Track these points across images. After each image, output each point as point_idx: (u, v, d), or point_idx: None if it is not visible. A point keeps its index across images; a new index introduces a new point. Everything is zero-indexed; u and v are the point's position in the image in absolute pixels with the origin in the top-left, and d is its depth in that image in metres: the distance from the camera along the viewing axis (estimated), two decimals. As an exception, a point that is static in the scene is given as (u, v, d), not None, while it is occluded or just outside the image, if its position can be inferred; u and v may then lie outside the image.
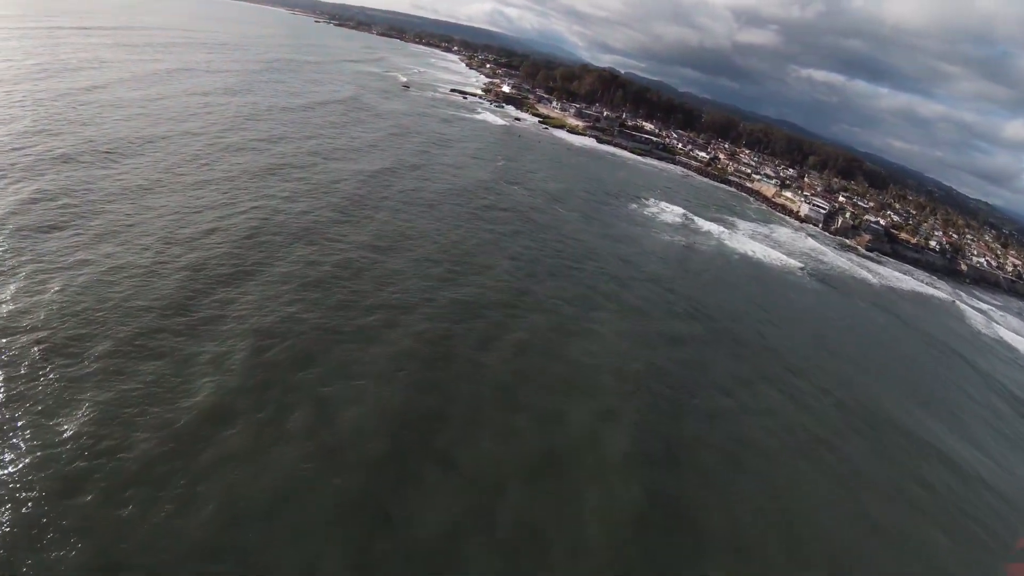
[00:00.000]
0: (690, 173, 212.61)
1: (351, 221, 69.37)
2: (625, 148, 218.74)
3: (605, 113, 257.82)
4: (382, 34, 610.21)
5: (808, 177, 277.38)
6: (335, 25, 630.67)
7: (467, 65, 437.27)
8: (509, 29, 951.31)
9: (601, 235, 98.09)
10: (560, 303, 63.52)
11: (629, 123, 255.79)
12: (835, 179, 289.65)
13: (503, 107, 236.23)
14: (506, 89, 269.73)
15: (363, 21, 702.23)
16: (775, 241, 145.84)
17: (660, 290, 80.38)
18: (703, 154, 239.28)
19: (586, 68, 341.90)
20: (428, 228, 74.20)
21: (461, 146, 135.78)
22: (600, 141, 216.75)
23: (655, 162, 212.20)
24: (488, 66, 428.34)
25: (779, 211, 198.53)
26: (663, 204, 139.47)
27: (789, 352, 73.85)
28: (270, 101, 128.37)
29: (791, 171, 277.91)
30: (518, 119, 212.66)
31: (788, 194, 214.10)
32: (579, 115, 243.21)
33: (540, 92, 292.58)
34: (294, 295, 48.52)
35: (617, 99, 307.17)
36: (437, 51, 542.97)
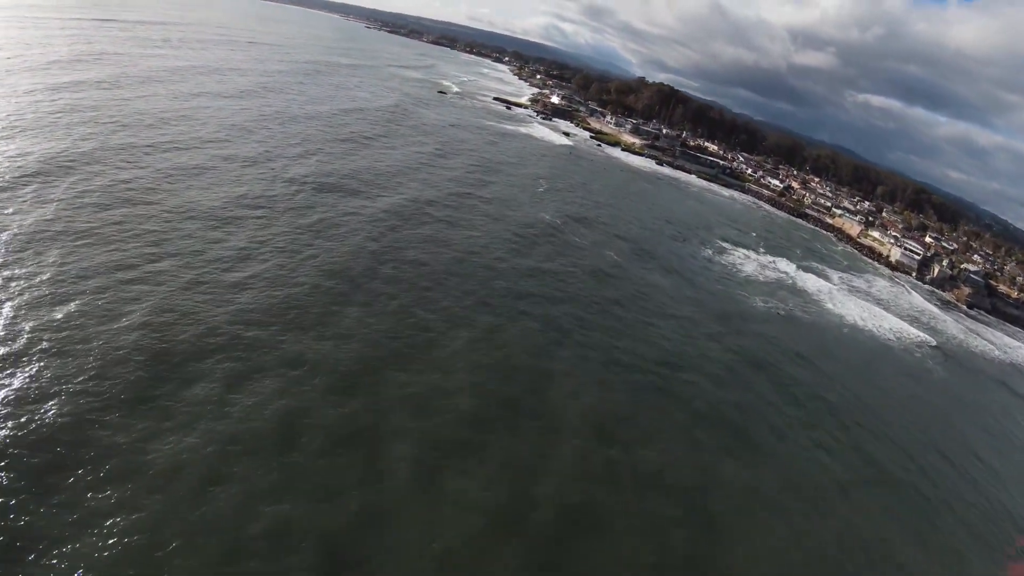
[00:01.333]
0: (762, 204, 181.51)
1: (334, 322, 42.45)
2: (688, 171, 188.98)
3: (664, 131, 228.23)
4: (433, 42, 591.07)
5: (886, 212, 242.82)
6: (387, 32, 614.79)
7: (516, 75, 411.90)
8: (563, 44, 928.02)
9: (693, 305, 71.05)
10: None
11: (691, 143, 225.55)
12: (906, 213, 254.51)
13: (551, 120, 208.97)
14: (555, 100, 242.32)
15: (415, 29, 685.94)
16: (877, 298, 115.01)
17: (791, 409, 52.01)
18: (775, 182, 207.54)
19: (643, 82, 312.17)
20: (457, 341, 44.87)
21: (509, 173, 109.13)
22: (660, 162, 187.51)
23: (722, 190, 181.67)
24: (538, 77, 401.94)
25: (866, 254, 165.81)
26: (745, 252, 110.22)
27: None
28: (293, 107, 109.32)
29: (866, 204, 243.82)
30: (568, 133, 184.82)
31: (875, 234, 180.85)
32: (636, 132, 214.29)
33: (593, 105, 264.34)
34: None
35: (676, 116, 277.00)
36: (487, 61, 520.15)
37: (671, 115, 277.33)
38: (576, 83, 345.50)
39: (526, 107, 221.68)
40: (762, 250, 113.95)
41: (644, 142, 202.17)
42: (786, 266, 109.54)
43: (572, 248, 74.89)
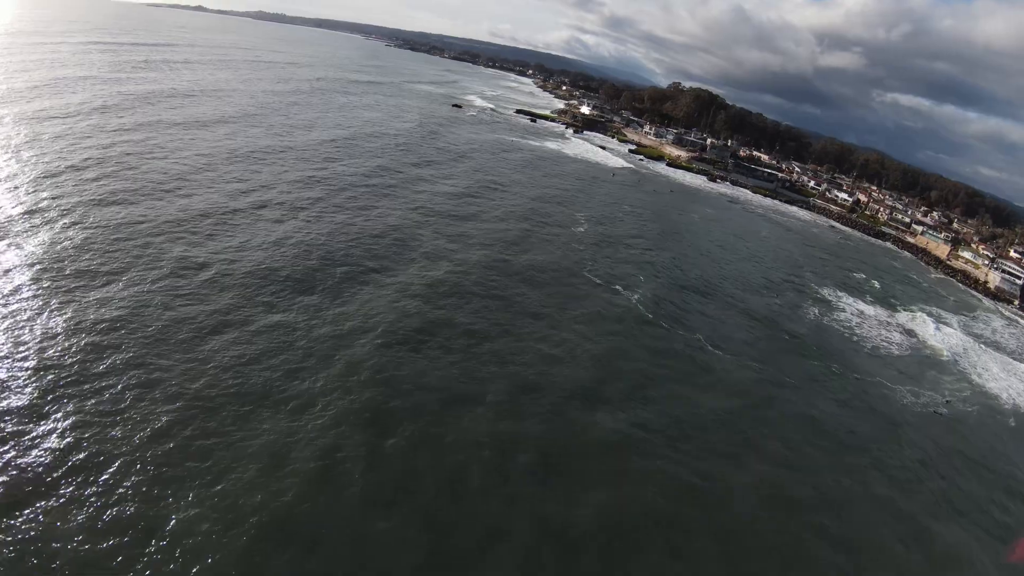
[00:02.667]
0: (833, 223, 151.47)
1: None
2: (744, 187, 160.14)
3: (709, 141, 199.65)
4: (454, 58, 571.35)
5: (960, 225, 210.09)
6: (406, 49, 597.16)
7: (541, 88, 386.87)
8: (586, 56, 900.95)
9: (836, 429, 44.92)
10: None
11: (741, 154, 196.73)
12: (956, 217, 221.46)
13: (582, 133, 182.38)
14: (585, 111, 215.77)
15: (436, 46, 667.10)
16: (1010, 350, 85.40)
17: None
18: (842, 195, 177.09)
19: (679, 88, 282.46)
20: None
21: (551, 217, 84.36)
22: (712, 178, 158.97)
23: (786, 207, 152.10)
24: (564, 88, 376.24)
25: (959, 279, 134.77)
26: (852, 302, 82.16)
27: None
28: (282, 136, 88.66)
29: (935, 214, 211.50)
30: (604, 147, 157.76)
31: (966, 255, 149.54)
32: (679, 143, 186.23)
33: (627, 115, 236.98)
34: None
35: (718, 124, 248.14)
36: (511, 75, 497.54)
37: (712, 123, 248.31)
38: (604, 93, 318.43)
39: (553, 119, 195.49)
40: (869, 299, 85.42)
41: (690, 154, 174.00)
42: (904, 318, 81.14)
43: (677, 359, 48.08)
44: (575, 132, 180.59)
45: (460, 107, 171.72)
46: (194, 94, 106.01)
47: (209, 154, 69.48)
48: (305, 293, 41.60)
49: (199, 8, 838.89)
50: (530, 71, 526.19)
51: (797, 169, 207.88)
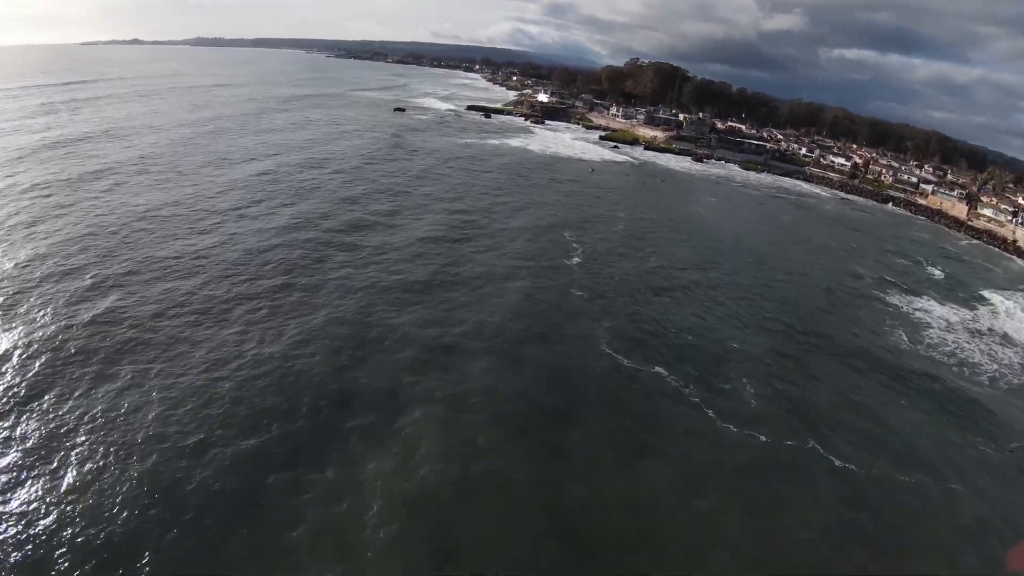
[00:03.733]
0: (836, 193, 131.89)
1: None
2: (732, 163, 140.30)
3: (683, 116, 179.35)
4: (399, 61, 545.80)
5: (956, 176, 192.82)
6: (348, 58, 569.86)
7: (491, 82, 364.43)
8: (531, 46, 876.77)
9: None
10: None
11: (720, 126, 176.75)
12: (949, 169, 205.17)
13: (544, 123, 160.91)
14: (543, 99, 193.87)
15: (378, 52, 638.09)
16: None
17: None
18: (839, 160, 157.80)
19: (637, 65, 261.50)
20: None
21: (531, 251, 60.62)
22: (697, 158, 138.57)
23: (786, 181, 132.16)
24: (515, 79, 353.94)
25: (987, 240, 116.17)
26: (914, 301, 62.75)
27: None
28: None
29: (928, 168, 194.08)
30: (572, 137, 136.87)
31: (987, 212, 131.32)
32: (651, 122, 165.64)
33: (589, 98, 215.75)
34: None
35: (685, 98, 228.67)
36: (459, 72, 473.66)
37: (679, 97, 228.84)
38: (557, 79, 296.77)
39: (509, 112, 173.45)
40: (934, 294, 65.35)
41: (667, 133, 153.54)
42: (986, 317, 61.79)
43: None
44: (536, 123, 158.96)
45: (403, 110, 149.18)
46: (87, 138, 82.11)
47: (61, 233, 46.45)
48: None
49: (135, 41, 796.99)
50: (477, 66, 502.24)
51: (779, 136, 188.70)
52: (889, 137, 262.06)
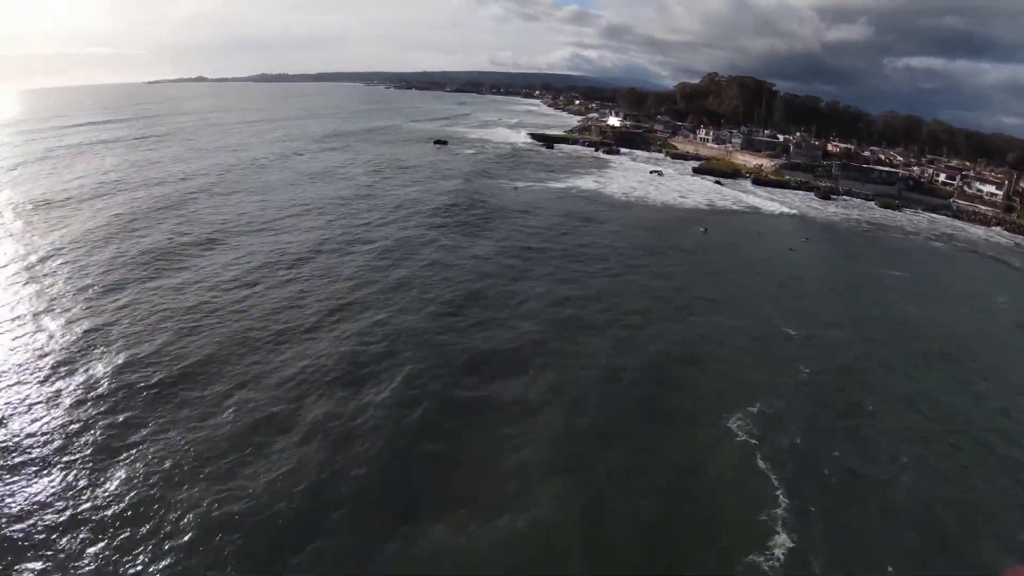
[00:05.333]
0: (997, 236, 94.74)
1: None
2: (862, 196, 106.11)
3: (784, 138, 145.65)
4: (457, 90, 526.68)
5: None
6: (407, 88, 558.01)
7: (551, 107, 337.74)
8: (591, 70, 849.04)
9: None
10: None
11: (831, 149, 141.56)
12: None
13: (618, 152, 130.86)
14: (614, 123, 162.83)
15: (437, 81, 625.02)
16: None
17: None
18: (988, 189, 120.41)
19: (716, 80, 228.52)
20: None
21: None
22: (822, 194, 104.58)
23: (925, 220, 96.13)
24: (577, 103, 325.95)
25: None
26: None
27: None
28: None
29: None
30: (658, 170, 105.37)
31: None
32: (749, 146, 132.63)
33: (666, 119, 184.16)
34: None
35: (777, 116, 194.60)
36: (518, 98, 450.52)
37: (769, 115, 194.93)
38: (624, 101, 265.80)
39: (575, 140, 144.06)
40: None
41: (774, 162, 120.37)
42: None
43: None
44: (608, 152, 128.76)
45: (444, 143, 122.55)
46: (64, 200, 58.51)
47: None
48: None
49: (199, 79, 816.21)
50: (538, 92, 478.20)
51: (899, 159, 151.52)
52: (988, 150, 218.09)
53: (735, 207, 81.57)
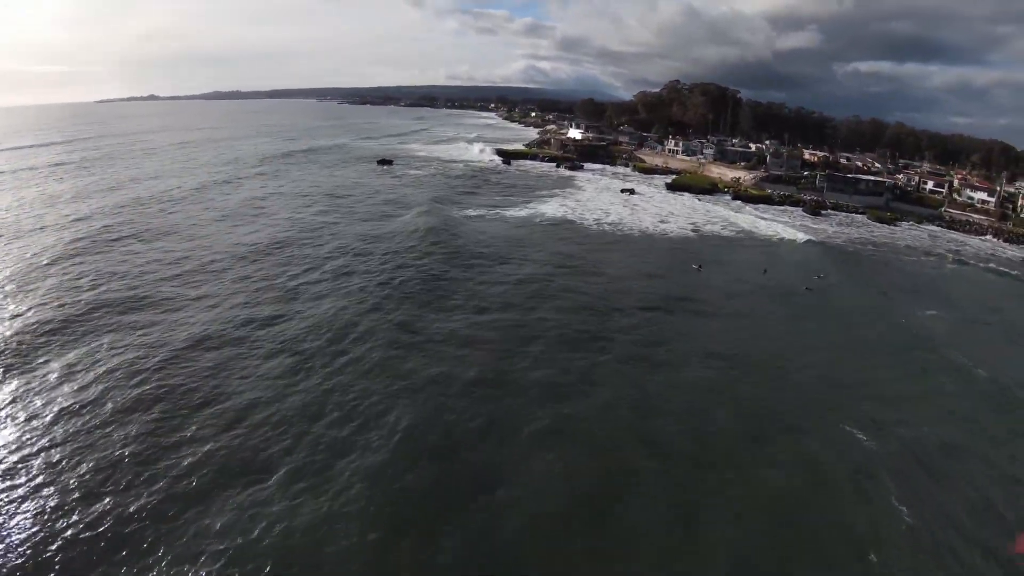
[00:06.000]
0: (992, 247, 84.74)
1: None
2: (851, 210, 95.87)
3: (754, 147, 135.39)
4: (411, 104, 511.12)
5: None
6: (360, 104, 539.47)
7: (506, 119, 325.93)
8: (546, 82, 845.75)
9: None
10: None
11: (808, 158, 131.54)
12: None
13: (582, 168, 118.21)
14: (575, 135, 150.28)
15: (392, 96, 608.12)
16: None
17: None
18: (979, 195, 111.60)
19: (677, 89, 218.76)
20: None
21: None
22: (812, 209, 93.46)
23: (915, 231, 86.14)
24: (533, 115, 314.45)
25: None
26: None
27: None
28: None
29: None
30: (630, 188, 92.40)
31: None
32: (722, 157, 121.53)
33: (630, 130, 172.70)
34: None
35: (744, 123, 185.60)
36: (472, 111, 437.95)
37: (735, 123, 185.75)
38: (582, 112, 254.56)
39: (534, 156, 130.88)
40: None
41: (753, 174, 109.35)
42: None
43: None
44: (571, 168, 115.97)
45: (390, 163, 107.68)
46: None
47: None
48: None
49: (151, 97, 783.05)
50: (493, 105, 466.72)
51: (878, 166, 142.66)
52: (951, 152, 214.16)
53: (724, 231, 68.83)
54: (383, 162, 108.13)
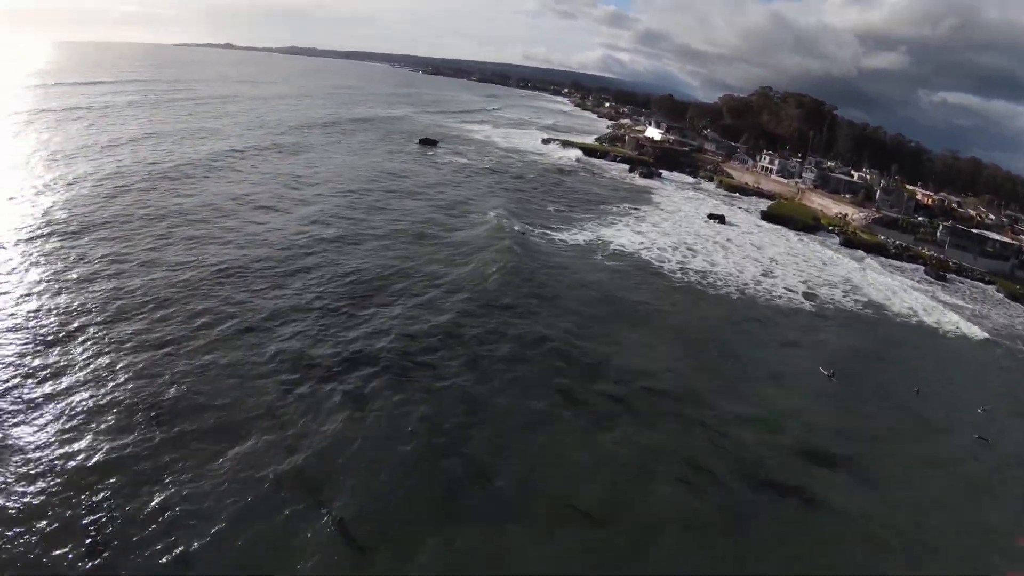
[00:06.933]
0: None
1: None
2: (973, 277, 76.39)
3: (856, 175, 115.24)
4: (482, 80, 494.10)
5: None
6: (429, 74, 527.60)
7: (578, 106, 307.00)
8: (622, 73, 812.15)
9: None
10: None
11: (922, 199, 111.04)
12: None
13: (659, 176, 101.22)
14: (655, 135, 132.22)
15: (463, 69, 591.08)
16: None
17: None
18: None
19: (768, 97, 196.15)
20: None
21: None
22: (934, 271, 74.49)
23: None
24: (607, 105, 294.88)
25: None
26: None
27: None
28: None
29: None
30: (719, 216, 74.57)
31: None
32: (824, 185, 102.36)
33: (713, 135, 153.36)
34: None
35: (841, 146, 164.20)
36: (544, 94, 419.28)
37: (830, 141, 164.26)
38: (660, 109, 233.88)
39: (604, 153, 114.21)
40: None
41: (862, 212, 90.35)
42: None
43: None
44: (646, 176, 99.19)
45: (435, 143, 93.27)
46: None
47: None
48: None
49: (227, 46, 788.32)
50: (566, 89, 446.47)
51: (992, 218, 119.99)
52: None
53: (847, 301, 50.88)
54: (427, 142, 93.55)
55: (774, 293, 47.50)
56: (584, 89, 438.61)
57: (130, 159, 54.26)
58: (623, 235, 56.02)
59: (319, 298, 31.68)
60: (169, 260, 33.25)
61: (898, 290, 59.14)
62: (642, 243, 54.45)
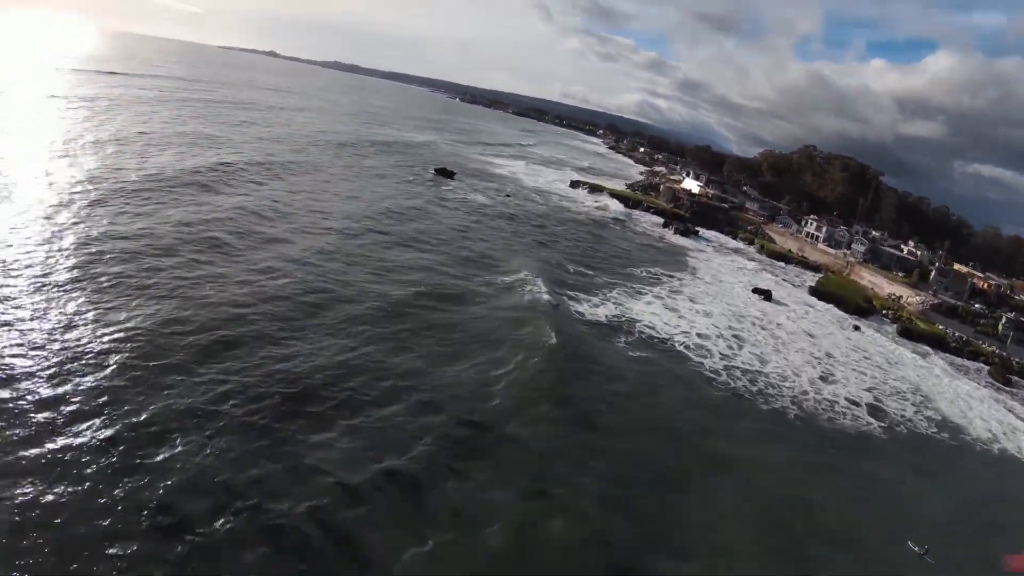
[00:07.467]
0: None
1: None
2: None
3: (906, 250, 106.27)
4: (518, 113, 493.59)
5: None
6: (467, 102, 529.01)
7: (611, 149, 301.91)
8: (658, 120, 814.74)
9: None
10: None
11: (980, 285, 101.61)
12: None
13: (696, 234, 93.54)
14: (693, 187, 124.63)
15: (499, 100, 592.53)
16: None
17: None
18: None
19: (810, 154, 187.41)
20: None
21: None
22: (998, 372, 65.33)
23: None
24: (641, 151, 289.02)
25: None
26: None
27: None
28: None
29: None
30: (765, 292, 65.77)
31: None
32: (875, 259, 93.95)
33: (754, 193, 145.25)
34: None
35: (884, 214, 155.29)
36: (580, 133, 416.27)
37: (874, 209, 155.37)
38: (695, 160, 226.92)
39: (637, 202, 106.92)
40: None
41: (918, 296, 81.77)
42: None
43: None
44: (681, 232, 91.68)
45: (452, 175, 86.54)
46: None
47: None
48: None
49: (271, 54, 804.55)
50: (601, 131, 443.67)
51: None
52: None
53: (922, 420, 41.62)
54: (442, 172, 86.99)
55: (837, 408, 38.57)
56: (619, 132, 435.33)
57: (97, 164, 47.35)
58: (654, 311, 47.67)
59: (225, 410, 21.52)
60: (62, 313, 25.43)
61: (973, 403, 50.04)
62: (675, 323, 46.11)
